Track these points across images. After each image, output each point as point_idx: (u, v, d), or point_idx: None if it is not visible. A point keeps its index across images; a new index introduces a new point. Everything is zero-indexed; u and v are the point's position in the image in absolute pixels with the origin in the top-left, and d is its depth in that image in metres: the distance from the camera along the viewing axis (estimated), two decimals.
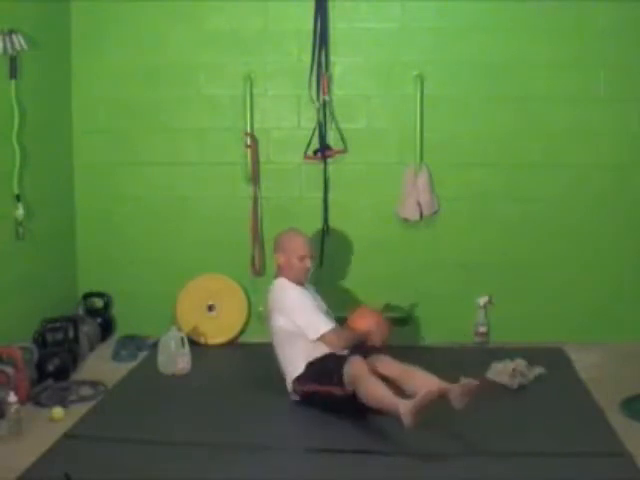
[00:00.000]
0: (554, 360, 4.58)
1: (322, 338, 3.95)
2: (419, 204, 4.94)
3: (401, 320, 5.01)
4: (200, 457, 3.40)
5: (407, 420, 3.33)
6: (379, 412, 3.60)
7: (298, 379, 3.94)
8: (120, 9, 5.04)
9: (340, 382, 3.72)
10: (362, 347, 4.03)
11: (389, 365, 3.84)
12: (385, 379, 3.73)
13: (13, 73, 4.33)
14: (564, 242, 5.04)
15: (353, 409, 3.73)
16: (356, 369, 3.70)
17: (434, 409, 3.44)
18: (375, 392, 3.58)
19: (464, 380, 3.52)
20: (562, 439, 3.54)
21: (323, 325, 3.98)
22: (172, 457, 3.41)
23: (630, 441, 3.46)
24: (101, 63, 5.09)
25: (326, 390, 3.79)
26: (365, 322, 4.12)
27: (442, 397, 3.50)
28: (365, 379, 3.64)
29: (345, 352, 3.99)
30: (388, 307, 4.93)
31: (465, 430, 3.57)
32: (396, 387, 3.68)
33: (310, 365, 3.92)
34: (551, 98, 4.94)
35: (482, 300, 5.00)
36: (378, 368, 3.81)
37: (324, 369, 3.85)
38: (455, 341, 4.99)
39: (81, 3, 5.06)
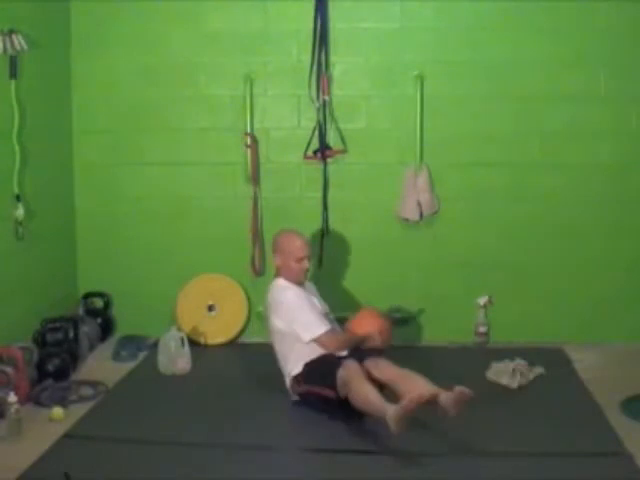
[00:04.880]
0: (554, 360, 4.58)
1: (316, 340, 3.93)
2: (419, 204, 4.95)
3: (402, 320, 5.02)
4: (200, 457, 3.40)
5: (392, 425, 3.30)
6: (369, 416, 3.58)
7: (296, 379, 3.93)
8: (120, 9, 5.04)
9: (334, 385, 3.71)
10: (360, 350, 4.01)
11: (385, 369, 3.80)
12: (380, 383, 3.73)
13: (13, 73, 4.33)
14: (564, 242, 5.04)
15: (345, 412, 3.71)
16: (349, 373, 3.68)
17: (426, 412, 3.43)
18: (364, 396, 3.55)
19: (458, 388, 3.46)
20: (562, 439, 3.54)
21: (317, 327, 3.94)
22: (172, 457, 3.41)
23: (630, 441, 3.46)
24: (101, 63, 5.10)
25: (320, 392, 3.78)
26: (366, 326, 4.11)
27: (432, 403, 3.45)
28: (356, 383, 3.61)
29: (344, 354, 3.99)
30: (393, 310, 4.93)
31: (465, 430, 3.57)
32: (391, 391, 3.67)
33: (307, 366, 3.91)
34: (551, 98, 4.94)
35: (482, 300, 5.00)
36: (374, 372, 3.78)
37: (320, 371, 3.84)
38: (455, 341, 4.99)
39: (81, 3, 5.06)
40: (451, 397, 3.44)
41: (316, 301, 4.17)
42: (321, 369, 3.84)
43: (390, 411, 3.33)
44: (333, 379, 3.71)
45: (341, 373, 3.69)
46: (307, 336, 3.93)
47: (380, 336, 4.08)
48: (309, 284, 4.30)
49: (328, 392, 3.74)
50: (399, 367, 3.81)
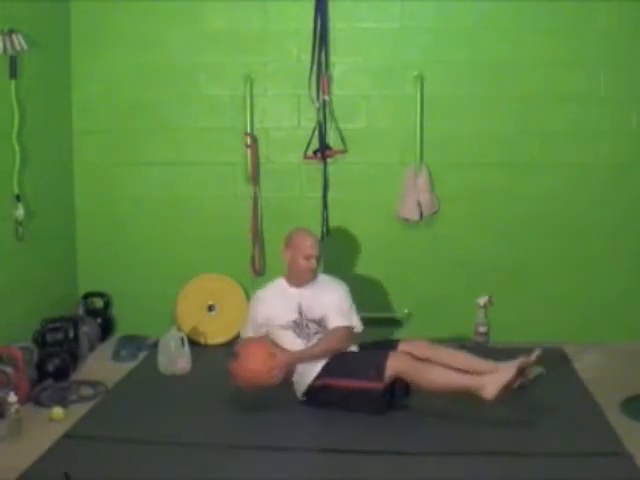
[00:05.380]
0: (554, 360, 4.58)
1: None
2: (419, 204, 4.95)
3: (395, 321, 5.03)
4: (200, 457, 3.40)
5: (493, 397, 3.56)
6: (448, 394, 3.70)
7: (317, 377, 3.90)
8: (120, 9, 5.04)
9: (379, 377, 3.72)
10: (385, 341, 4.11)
11: (435, 351, 3.91)
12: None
13: (13, 73, 4.33)
14: (564, 242, 5.05)
15: (380, 402, 3.76)
16: (404, 363, 3.73)
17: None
18: (446, 378, 3.68)
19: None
20: (562, 439, 3.54)
21: (243, 331, 4.26)
22: (172, 457, 3.40)
23: (630, 441, 3.46)
24: (101, 63, 5.10)
25: (359, 385, 3.77)
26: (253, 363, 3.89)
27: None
28: (423, 370, 3.71)
29: (355, 348, 4.05)
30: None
31: (465, 430, 3.57)
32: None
33: (332, 361, 3.90)
34: (551, 98, 4.94)
35: (482, 300, 5.00)
36: (416, 353, 3.86)
37: (355, 364, 3.86)
38: (455, 341, 4.98)
39: (81, 3, 5.06)
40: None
41: (306, 308, 4.07)
42: (362, 362, 3.87)
43: (490, 385, 3.58)
44: (380, 370, 3.72)
45: (393, 363, 3.72)
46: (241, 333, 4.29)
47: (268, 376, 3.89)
48: (323, 281, 4.24)
49: (371, 384, 3.75)
50: (440, 347, 3.96)
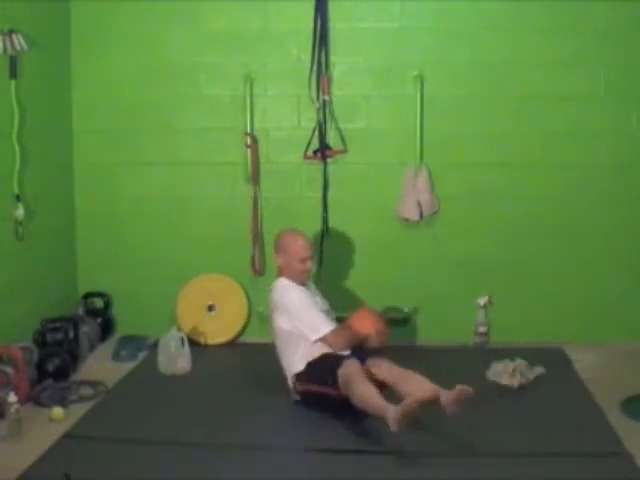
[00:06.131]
0: (554, 360, 4.59)
1: (323, 339, 3.94)
2: (419, 204, 4.94)
3: (400, 321, 5.02)
4: (200, 457, 3.40)
5: (392, 425, 3.31)
6: (370, 415, 3.58)
7: (298, 378, 3.94)
8: (120, 9, 5.04)
9: (335, 384, 3.72)
10: (362, 350, 4.02)
11: (387, 369, 3.81)
12: (382, 383, 3.73)
13: (13, 73, 4.33)
14: (564, 242, 5.05)
15: (347, 411, 3.71)
16: (349, 372, 3.68)
17: (426, 412, 3.45)
18: (364, 395, 3.56)
19: (459, 387, 3.48)
20: (562, 439, 3.54)
21: (323, 327, 3.96)
22: (172, 457, 3.41)
23: (630, 441, 3.46)
24: (101, 63, 5.10)
25: (322, 391, 3.79)
26: (365, 325, 4.09)
27: (433, 403, 3.48)
28: (356, 382, 3.62)
29: (346, 353, 4.01)
30: (388, 310, 4.91)
31: (465, 430, 3.57)
32: (393, 391, 3.67)
33: (309, 365, 3.92)
34: (551, 98, 4.94)
35: (482, 300, 5.00)
36: (375, 371, 3.79)
37: (322, 370, 3.84)
38: (455, 341, 4.99)
39: (81, 3, 5.06)
40: (452, 396, 3.46)
41: (319, 299, 4.18)
42: (323, 368, 3.84)
43: (390, 411, 3.35)
44: (334, 378, 3.72)
45: (342, 371, 3.70)
46: (314, 336, 3.94)
47: (378, 336, 4.06)
48: (310, 284, 4.31)
49: (330, 390, 3.74)
50: (401, 368, 3.81)
